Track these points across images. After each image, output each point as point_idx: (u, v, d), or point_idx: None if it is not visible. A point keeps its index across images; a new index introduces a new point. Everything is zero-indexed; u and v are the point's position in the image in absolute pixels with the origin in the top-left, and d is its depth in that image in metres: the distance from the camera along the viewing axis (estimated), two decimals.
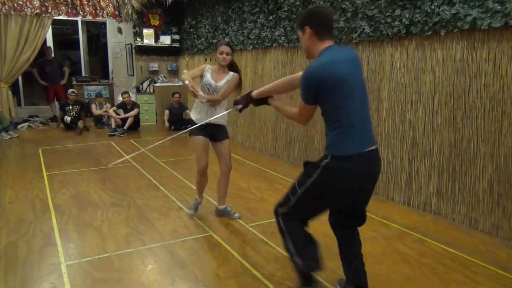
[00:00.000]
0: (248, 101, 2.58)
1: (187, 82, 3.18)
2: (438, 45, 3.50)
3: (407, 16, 3.65)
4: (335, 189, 2.03)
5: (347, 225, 2.29)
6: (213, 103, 3.27)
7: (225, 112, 3.13)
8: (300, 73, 2.17)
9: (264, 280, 2.57)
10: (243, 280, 2.58)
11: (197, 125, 3.19)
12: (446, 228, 3.38)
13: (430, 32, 3.49)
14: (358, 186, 2.06)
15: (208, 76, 3.32)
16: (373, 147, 2.06)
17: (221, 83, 3.31)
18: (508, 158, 3.07)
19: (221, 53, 3.26)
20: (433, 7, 3.42)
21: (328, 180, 2.01)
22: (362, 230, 3.40)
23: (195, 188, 3.66)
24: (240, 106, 2.60)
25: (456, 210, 3.47)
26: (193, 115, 3.41)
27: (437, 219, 3.57)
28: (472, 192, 3.34)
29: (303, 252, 2.16)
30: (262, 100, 2.53)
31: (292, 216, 2.18)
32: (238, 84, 3.38)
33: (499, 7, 2.96)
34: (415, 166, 3.80)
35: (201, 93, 3.21)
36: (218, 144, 3.42)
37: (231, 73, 3.36)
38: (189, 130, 3.25)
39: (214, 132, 3.38)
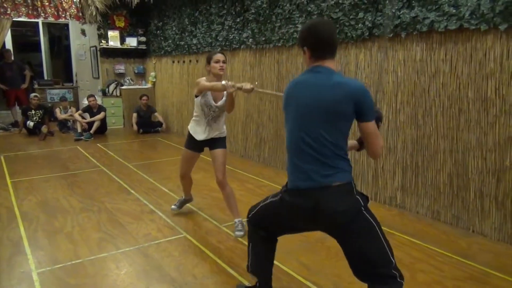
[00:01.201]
0: None
1: (224, 82, 2.87)
2: (399, 46, 3.67)
3: (370, 19, 3.81)
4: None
5: None
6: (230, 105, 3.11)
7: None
8: None
9: (240, 278, 2.62)
10: (219, 279, 2.62)
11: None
12: (411, 221, 3.55)
13: (391, 34, 3.66)
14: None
15: (208, 96, 3.15)
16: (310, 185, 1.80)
17: (220, 102, 3.18)
18: (466, 153, 3.27)
19: (217, 62, 3.07)
20: (393, 11, 3.59)
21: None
22: None
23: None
24: None
25: (420, 204, 3.65)
26: (191, 127, 3.33)
27: (403, 212, 3.74)
28: (434, 185, 3.52)
29: (255, 267, 2.19)
30: None
31: (254, 223, 2.14)
32: None
33: (454, 11, 3.15)
34: (380, 162, 3.96)
35: (228, 82, 2.87)
36: (212, 151, 3.33)
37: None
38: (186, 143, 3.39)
39: (212, 143, 3.32)
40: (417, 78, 3.55)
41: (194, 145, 3.34)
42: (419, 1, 3.39)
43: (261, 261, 2.20)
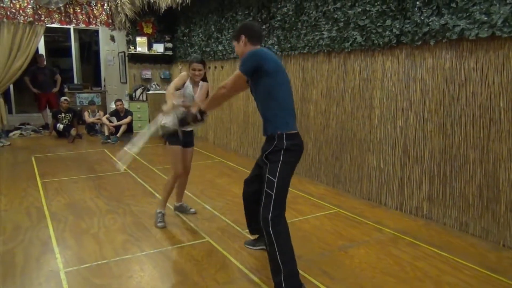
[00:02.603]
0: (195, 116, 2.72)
1: (174, 102, 3.27)
2: (428, 54, 3.61)
3: (398, 26, 3.76)
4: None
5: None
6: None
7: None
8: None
9: (261, 284, 2.62)
10: (241, 284, 2.63)
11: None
12: (437, 232, 3.47)
13: (420, 42, 3.60)
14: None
15: (190, 88, 3.53)
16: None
17: (197, 95, 3.61)
18: (496, 164, 3.17)
19: (194, 70, 3.47)
20: (422, 18, 3.54)
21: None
22: (356, 235, 3.49)
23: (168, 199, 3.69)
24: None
25: (447, 215, 3.56)
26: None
27: (429, 223, 3.66)
28: (463, 196, 3.43)
29: (289, 269, 2.38)
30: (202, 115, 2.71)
31: (279, 211, 2.44)
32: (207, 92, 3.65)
33: (485, 18, 3.08)
34: (407, 171, 3.89)
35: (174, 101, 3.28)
36: (185, 150, 3.64)
37: (201, 82, 3.64)
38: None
39: (186, 140, 3.56)
40: (446, 87, 3.48)
41: (177, 141, 3.50)
42: (449, 8, 3.33)
43: (291, 253, 2.44)
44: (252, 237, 3.19)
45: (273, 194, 2.41)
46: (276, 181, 2.41)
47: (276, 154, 2.44)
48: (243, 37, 2.61)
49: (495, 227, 3.22)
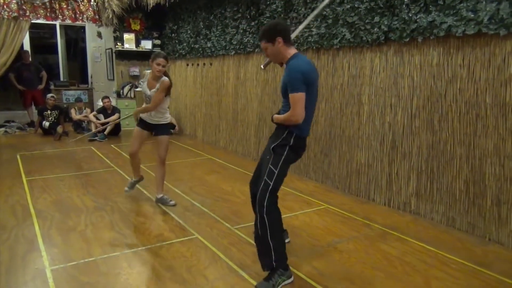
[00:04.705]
0: None
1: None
2: (415, 51, 3.63)
3: (386, 23, 3.78)
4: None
5: None
6: (148, 110, 3.82)
7: None
8: None
9: (251, 280, 2.61)
10: (231, 280, 2.62)
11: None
12: (425, 227, 3.50)
13: (408, 39, 3.63)
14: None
15: (144, 85, 3.72)
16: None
17: (153, 90, 3.73)
18: (483, 159, 3.21)
19: (158, 65, 3.58)
20: (410, 15, 3.56)
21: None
22: (345, 230, 3.51)
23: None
24: None
25: (435, 210, 3.60)
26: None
27: (417, 218, 3.69)
28: (450, 192, 3.47)
29: (279, 253, 2.52)
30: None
31: (274, 199, 2.59)
32: (168, 88, 3.76)
33: (472, 16, 3.11)
34: (395, 167, 3.92)
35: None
36: (157, 137, 3.96)
37: (162, 78, 3.69)
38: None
39: (155, 129, 3.94)
40: (434, 83, 3.51)
41: (143, 125, 3.94)
42: (436, 5, 3.36)
43: (282, 238, 2.61)
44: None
45: (271, 183, 2.52)
46: (276, 172, 2.53)
47: (282, 148, 2.55)
48: (280, 39, 2.50)
49: (481, 221, 3.26)
